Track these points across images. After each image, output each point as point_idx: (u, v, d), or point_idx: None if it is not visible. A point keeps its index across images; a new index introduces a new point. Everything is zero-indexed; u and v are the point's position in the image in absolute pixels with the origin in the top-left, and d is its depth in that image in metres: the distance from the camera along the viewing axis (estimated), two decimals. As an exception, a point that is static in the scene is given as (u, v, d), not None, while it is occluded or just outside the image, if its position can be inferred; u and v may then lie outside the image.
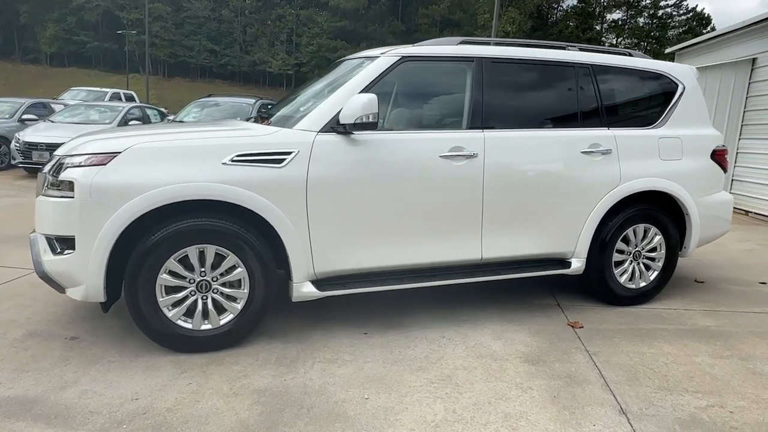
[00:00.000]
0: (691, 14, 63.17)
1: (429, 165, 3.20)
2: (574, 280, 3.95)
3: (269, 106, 10.48)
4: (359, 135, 3.07)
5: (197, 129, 3.11)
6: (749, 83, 8.61)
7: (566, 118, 3.63)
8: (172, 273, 2.82)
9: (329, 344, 3.11)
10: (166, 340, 2.88)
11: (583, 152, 3.57)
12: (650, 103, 3.93)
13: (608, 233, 3.71)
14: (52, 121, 10.76)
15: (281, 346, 3.07)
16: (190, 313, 2.90)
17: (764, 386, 2.80)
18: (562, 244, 3.62)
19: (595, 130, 3.66)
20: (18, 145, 9.81)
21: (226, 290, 2.94)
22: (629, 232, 3.80)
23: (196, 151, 2.81)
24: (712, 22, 61.37)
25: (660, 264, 3.93)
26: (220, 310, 2.95)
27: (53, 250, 2.78)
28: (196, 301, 2.90)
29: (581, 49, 3.81)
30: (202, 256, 2.85)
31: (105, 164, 2.69)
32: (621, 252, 3.82)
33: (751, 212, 8.29)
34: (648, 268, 3.94)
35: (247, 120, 3.78)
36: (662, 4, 63.45)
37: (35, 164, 9.70)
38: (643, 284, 3.92)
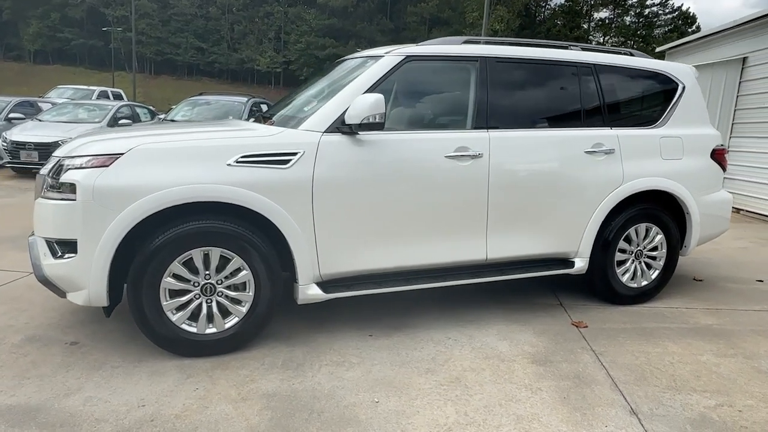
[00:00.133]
0: (676, 13, 63.90)
1: (435, 165, 3.17)
2: (575, 279, 3.96)
3: (262, 105, 10.45)
4: (365, 135, 3.04)
5: (200, 129, 3.06)
6: (740, 82, 8.70)
7: (569, 117, 3.63)
8: (176, 276, 2.77)
9: (335, 347, 3.08)
10: (170, 345, 2.83)
11: (586, 152, 3.57)
12: (652, 103, 3.94)
13: (611, 233, 3.71)
14: (40, 120, 10.58)
15: (287, 349, 3.03)
16: (194, 317, 2.85)
17: (770, 385, 2.82)
18: (565, 244, 3.62)
19: (598, 129, 3.66)
20: (5, 144, 9.63)
21: (231, 293, 2.89)
22: (631, 231, 3.81)
23: (201, 153, 2.76)
24: (698, 21, 62.17)
25: (661, 263, 3.95)
26: (225, 313, 2.91)
27: (54, 254, 2.71)
28: (200, 304, 2.85)
29: (584, 49, 3.81)
30: (206, 258, 2.81)
31: (108, 166, 2.63)
32: (623, 251, 3.83)
33: (742, 210, 8.37)
34: (649, 267, 3.95)
35: (248, 120, 3.73)
36: (648, 2, 64.10)
37: (23, 164, 9.55)
38: (644, 283, 3.94)
